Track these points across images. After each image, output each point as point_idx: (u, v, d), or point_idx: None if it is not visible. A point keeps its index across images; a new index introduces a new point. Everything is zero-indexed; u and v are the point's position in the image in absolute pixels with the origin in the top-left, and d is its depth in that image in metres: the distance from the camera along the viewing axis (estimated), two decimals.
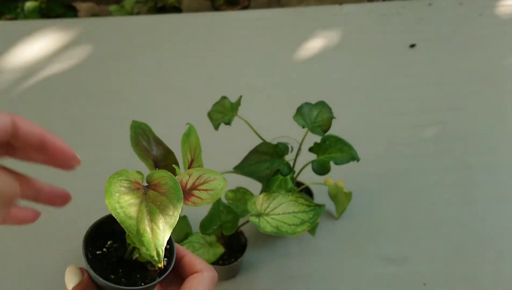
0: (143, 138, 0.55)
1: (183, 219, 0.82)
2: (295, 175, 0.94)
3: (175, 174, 0.49)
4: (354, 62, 1.36)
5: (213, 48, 1.40)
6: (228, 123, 0.87)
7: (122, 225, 0.39)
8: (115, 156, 1.16)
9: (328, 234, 1.03)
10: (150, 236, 0.39)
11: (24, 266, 0.99)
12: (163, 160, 0.55)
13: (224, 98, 0.90)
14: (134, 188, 0.42)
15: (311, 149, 0.89)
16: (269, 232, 0.75)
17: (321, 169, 0.88)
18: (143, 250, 0.39)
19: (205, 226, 0.82)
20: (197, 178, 0.48)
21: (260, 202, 0.77)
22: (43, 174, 1.07)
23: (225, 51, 1.40)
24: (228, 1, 2.33)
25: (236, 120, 0.89)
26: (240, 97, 0.89)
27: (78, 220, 1.04)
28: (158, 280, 0.48)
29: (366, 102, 1.26)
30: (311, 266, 0.99)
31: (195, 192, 0.48)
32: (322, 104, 0.90)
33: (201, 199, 0.48)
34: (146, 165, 0.55)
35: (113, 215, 0.39)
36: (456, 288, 0.95)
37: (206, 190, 0.48)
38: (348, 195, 1.00)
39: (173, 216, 0.40)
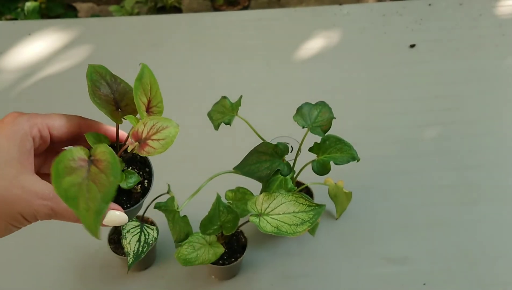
0: (100, 84, 0.55)
1: (183, 219, 0.82)
2: (295, 175, 0.94)
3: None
4: (354, 62, 1.36)
5: (213, 48, 1.40)
6: (228, 123, 0.87)
7: (66, 202, 0.43)
8: None
9: (328, 234, 1.03)
10: (87, 214, 0.42)
11: (23, 262, 0.99)
12: (123, 99, 0.57)
13: (224, 98, 0.90)
14: (78, 166, 0.44)
15: (311, 149, 0.89)
16: (270, 232, 0.75)
17: (321, 169, 0.88)
18: (85, 226, 0.42)
19: (205, 226, 0.82)
20: (151, 128, 0.50)
21: (260, 202, 0.77)
22: None
23: (225, 51, 1.40)
24: (228, 1, 2.33)
25: (236, 120, 0.89)
26: (240, 97, 0.89)
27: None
28: (142, 200, 0.53)
29: (366, 102, 1.26)
30: (311, 266, 0.99)
31: (149, 142, 0.50)
32: (322, 104, 0.90)
33: (154, 148, 0.49)
34: (106, 114, 0.56)
35: (60, 196, 0.43)
36: (456, 288, 0.95)
37: (158, 139, 0.50)
38: (348, 195, 1.00)
39: (109, 193, 0.43)
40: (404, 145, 1.17)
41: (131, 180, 0.54)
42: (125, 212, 0.52)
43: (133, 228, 0.73)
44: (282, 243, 1.01)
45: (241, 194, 0.90)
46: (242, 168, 0.87)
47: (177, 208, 0.81)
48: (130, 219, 0.52)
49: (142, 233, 0.74)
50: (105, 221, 0.50)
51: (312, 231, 0.94)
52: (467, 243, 1.01)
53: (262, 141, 0.89)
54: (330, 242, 1.02)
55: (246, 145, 0.91)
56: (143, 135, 0.50)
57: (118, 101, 0.58)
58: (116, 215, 0.51)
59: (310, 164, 0.89)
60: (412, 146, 1.17)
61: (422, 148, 1.17)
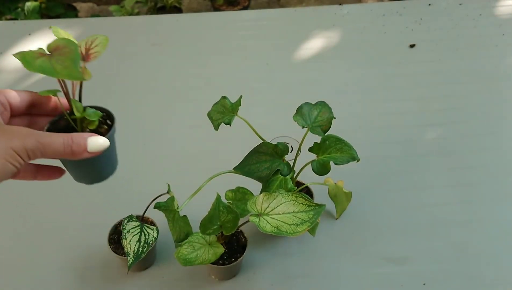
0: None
1: (183, 219, 0.82)
2: (295, 175, 0.94)
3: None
4: (354, 62, 1.36)
5: (213, 48, 1.41)
6: (228, 123, 0.87)
7: (44, 73, 0.53)
8: None
9: (328, 234, 1.03)
10: (66, 69, 0.55)
11: (24, 262, 0.99)
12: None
13: (224, 98, 0.90)
14: (40, 55, 0.55)
15: (311, 149, 0.89)
16: (269, 232, 0.75)
17: (321, 169, 0.88)
18: (69, 77, 0.55)
19: (205, 226, 0.82)
20: (86, 43, 0.65)
21: (260, 202, 0.77)
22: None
23: (225, 51, 1.40)
24: (228, 1, 2.33)
25: (236, 120, 0.89)
26: (240, 97, 0.89)
27: (74, 216, 1.04)
28: (107, 135, 0.61)
29: (366, 102, 1.26)
30: (311, 266, 0.99)
31: (90, 52, 0.66)
32: (322, 104, 0.90)
33: (95, 52, 0.66)
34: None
35: (37, 72, 0.53)
36: (456, 288, 0.95)
37: (96, 46, 0.66)
38: (348, 195, 1.00)
39: (76, 53, 0.56)
40: (404, 145, 1.17)
41: (91, 111, 0.65)
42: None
43: (133, 228, 0.73)
44: (282, 243, 1.01)
45: (241, 194, 0.90)
46: (242, 168, 0.87)
47: (177, 208, 0.81)
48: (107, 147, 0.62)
49: (142, 233, 0.74)
50: (89, 148, 0.58)
51: (312, 231, 0.94)
52: (467, 243, 1.01)
53: (262, 141, 0.89)
54: (330, 242, 1.02)
55: (246, 145, 0.91)
56: (85, 51, 0.64)
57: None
58: (98, 140, 0.59)
59: (310, 164, 0.89)
60: (412, 146, 1.17)
61: (422, 148, 1.17)
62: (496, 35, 1.42)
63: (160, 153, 1.17)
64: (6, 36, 1.45)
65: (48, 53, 0.56)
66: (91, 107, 0.67)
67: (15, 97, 0.62)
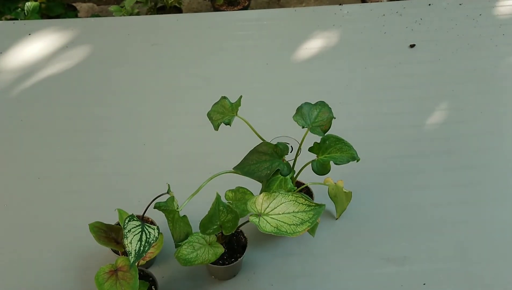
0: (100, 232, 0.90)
1: (183, 219, 0.82)
2: (295, 175, 0.94)
3: None
4: (354, 62, 1.36)
5: (213, 48, 1.41)
6: (228, 123, 0.87)
7: None
8: (114, 155, 1.16)
9: (328, 234, 1.03)
10: None
11: (24, 262, 0.99)
12: (118, 236, 0.90)
13: (224, 98, 0.90)
14: (110, 275, 0.80)
15: (311, 149, 0.89)
16: (269, 232, 0.75)
17: (321, 169, 0.88)
18: None
19: (205, 225, 0.82)
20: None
21: (260, 202, 0.77)
22: (49, 173, 1.06)
23: (225, 51, 1.40)
24: (228, 1, 2.33)
25: (236, 120, 0.89)
26: (240, 97, 0.89)
27: (76, 217, 1.04)
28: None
29: (366, 102, 1.26)
30: (311, 266, 0.99)
31: (147, 254, 0.89)
32: (322, 104, 0.90)
33: (151, 253, 0.91)
34: (111, 248, 0.92)
35: None
36: (456, 288, 0.95)
37: (152, 248, 0.92)
38: (348, 195, 1.00)
39: (135, 282, 0.78)
40: (404, 145, 1.17)
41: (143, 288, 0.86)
42: None
43: (134, 227, 0.73)
44: (282, 243, 1.01)
45: (241, 194, 0.90)
46: (242, 168, 0.87)
47: (177, 208, 0.81)
48: None
49: (143, 233, 0.74)
50: None
51: (312, 231, 0.94)
52: (467, 243, 1.01)
53: (262, 141, 0.89)
54: (330, 242, 1.02)
55: (246, 145, 0.91)
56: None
57: (116, 238, 0.89)
58: None
59: (310, 164, 0.89)
60: (412, 146, 1.17)
61: (422, 148, 1.17)
62: (496, 35, 1.42)
63: (160, 153, 1.17)
64: (6, 36, 1.45)
65: (113, 270, 0.79)
66: (140, 271, 0.86)
67: None
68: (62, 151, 1.17)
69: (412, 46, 1.40)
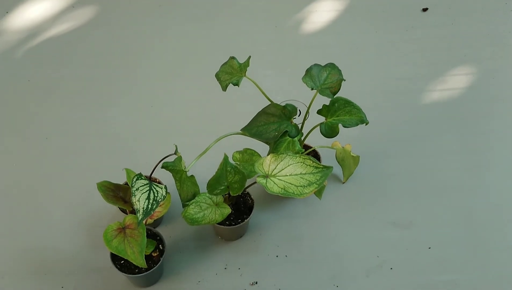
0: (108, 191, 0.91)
1: (190, 179, 0.83)
2: (302, 138, 0.93)
3: None
4: (365, 26, 1.33)
5: (221, 10, 1.38)
6: (236, 84, 0.86)
7: (119, 254, 0.80)
8: (122, 116, 1.16)
9: (334, 198, 1.03)
10: (135, 255, 0.79)
11: (31, 220, 1.01)
12: (126, 195, 0.91)
13: (232, 58, 0.89)
14: (118, 232, 0.81)
15: (319, 112, 0.88)
16: (276, 193, 0.75)
17: (330, 131, 0.87)
18: (134, 262, 0.80)
19: (212, 185, 0.82)
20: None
21: (267, 163, 0.77)
22: (52, 143, 1.05)
23: (234, 12, 1.37)
24: None
25: (244, 82, 0.88)
26: (249, 57, 0.88)
27: (85, 176, 1.05)
28: (161, 259, 0.88)
29: (376, 66, 1.25)
30: (317, 228, 0.99)
31: (155, 212, 0.91)
32: (331, 66, 0.89)
33: (158, 212, 0.91)
34: (119, 206, 0.92)
35: (114, 252, 0.80)
36: (461, 252, 0.96)
37: (160, 207, 0.91)
38: (356, 159, 0.99)
39: (143, 239, 0.80)
40: (413, 110, 1.16)
41: (151, 246, 0.88)
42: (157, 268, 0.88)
43: (142, 186, 0.74)
44: (288, 205, 1.02)
45: (249, 156, 0.90)
46: (250, 129, 0.87)
47: (185, 168, 0.82)
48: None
49: (151, 191, 0.74)
50: None
51: (318, 193, 0.95)
52: (473, 208, 1.01)
53: (270, 103, 0.88)
54: (336, 205, 1.02)
55: (254, 107, 0.90)
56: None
57: (123, 197, 0.90)
58: None
59: (318, 127, 0.88)
60: (422, 111, 1.16)
61: (432, 113, 1.16)
62: None
63: (167, 114, 1.17)
64: None
65: (122, 227, 0.81)
66: (147, 231, 0.87)
67: None
68: (70, 111, 1.17)
69: (424, 9, 1.36)
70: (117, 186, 0.89)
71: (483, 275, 0.93)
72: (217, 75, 0.90)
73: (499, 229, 0.99)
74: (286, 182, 0.76)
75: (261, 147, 0.93)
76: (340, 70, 0.88)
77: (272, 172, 0.77)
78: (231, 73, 0.88)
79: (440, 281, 0.93)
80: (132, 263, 0.84)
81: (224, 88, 0.88)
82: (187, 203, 0.84)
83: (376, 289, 0.92)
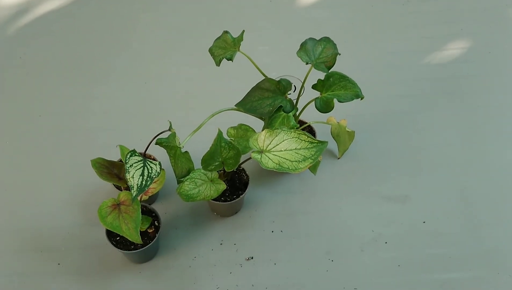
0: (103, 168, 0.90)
1: (184, 155, 0.82)
2: (297, 113, 0.93)
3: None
4: (360, 0, 1.31)
5: None
6: (230, 58, 0.85)
7: (114, 230, 0.80)
8: (115, 93, 1.15)
9: (329, 173, 1.03)
10: (130, 231, 0.79)
11: (26, 196, 1.00)
12: (120, 172, 0.90)
13: (226, 32, 0.88)
14: (113, 208, 0.81)
15: (314, 86, 0.87)
16: (271, 168, 0.75)
17: (325, 106, 0.87)
18: (129, 238, 0.80)
19: (206, 161, 0.82)
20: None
21: (262, 138, 0.77)
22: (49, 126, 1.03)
23: None
24: None
25: (238, 58, 0.87)
26: (243, 32, 0.87)
27: (79, 154, 1.05)
28: (157, 235, 0.87)
29: (372, 41, 1.23)
30: (312, 203, 1.00)
31: (150, 188, 0.90)
32: (326, 40, 0.88)
33: (153, 188, 0.92)
34: (113, 183, 0.92)
35: (109, 228, 0.80)
36: (455, 227, 0.97)
37: (154, 183, 0.92)
38: (351, 135, 0.99)
39: (138, 215, 0.79)
40: (408, 85, 1.16)
41: (146, 222, 0.87)
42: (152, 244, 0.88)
43: (136, 162, 0.73)
44: (283, 181, 1.02)
45: (243, 131, 0.90)
46: (244, 105, 0.86)
47: (179, 145, 0.81)
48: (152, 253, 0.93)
49: (145, 167, 0.74)
50: None
51: (313, 169, 0.95)
52: (467, 183, 1.02)
53: (265, 78, 0.87)
54: (331, 180, 1.02)
55: (248, 82, 0.89)
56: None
57: (118, 174, 0.89)
58: None
59: (313, 102, 0.88)
60: (417, 86, 1.15)
61: (428, 88, 1.15)
62: None
63: (161, 91, 1.16)
64: None
65: (116, 204, 0.81)
66: (143, 207, 0.87)
67: None
68: (63, 88, 1.16)
69: None
70: (111, 163, 0.88)
71: (477, 249, 0.94)
72: (210, 50, 0.89)
73: (493, 204, 0.99)
74: (281, 157, 0.76)
75: (256, 123, 0.93)
76: (335, 44, 0.87)
77: (266, 147, 0.77)
78: (225, 48, 0.87)
79: (435, 255, 0.94)
80: (127, 239, 0.84)
81: (218, 63, 0.87)
82: (182, 179, 0.84)
83: (370, 263, 0.93)
